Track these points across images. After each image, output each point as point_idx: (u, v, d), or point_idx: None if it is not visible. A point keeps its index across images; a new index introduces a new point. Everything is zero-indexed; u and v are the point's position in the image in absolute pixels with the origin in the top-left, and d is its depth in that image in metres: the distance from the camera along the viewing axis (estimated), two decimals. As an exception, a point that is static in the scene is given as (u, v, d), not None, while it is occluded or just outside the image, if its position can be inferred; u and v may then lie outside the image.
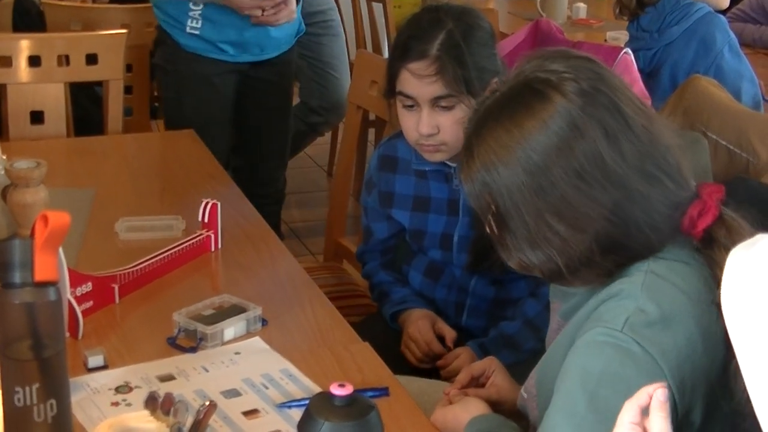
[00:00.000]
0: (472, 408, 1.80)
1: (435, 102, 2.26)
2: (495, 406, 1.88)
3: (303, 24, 3.73)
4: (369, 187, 2.59)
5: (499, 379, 1.98)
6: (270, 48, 3.56)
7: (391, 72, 2.32)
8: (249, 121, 3.73)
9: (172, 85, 3.62)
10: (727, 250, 1.53)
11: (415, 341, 2.41)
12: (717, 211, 1.57)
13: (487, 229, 1.64)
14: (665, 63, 3.86)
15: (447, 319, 2.49)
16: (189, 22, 3.43)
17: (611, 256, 1.56)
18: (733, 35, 3.90)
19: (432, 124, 2.27)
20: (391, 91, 2.34)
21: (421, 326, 2.42)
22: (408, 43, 2.28)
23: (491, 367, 2.00)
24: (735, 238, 1.55)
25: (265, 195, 3.68)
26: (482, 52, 2.28)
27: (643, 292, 1.52)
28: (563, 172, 1.52)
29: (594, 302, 1.59)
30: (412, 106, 2.30)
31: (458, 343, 2.42)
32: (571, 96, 1.53)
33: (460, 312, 2.50)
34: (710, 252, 1.56)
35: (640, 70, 3.91)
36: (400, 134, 2.45)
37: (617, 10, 4.12)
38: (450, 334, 2.41)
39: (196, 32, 3.44)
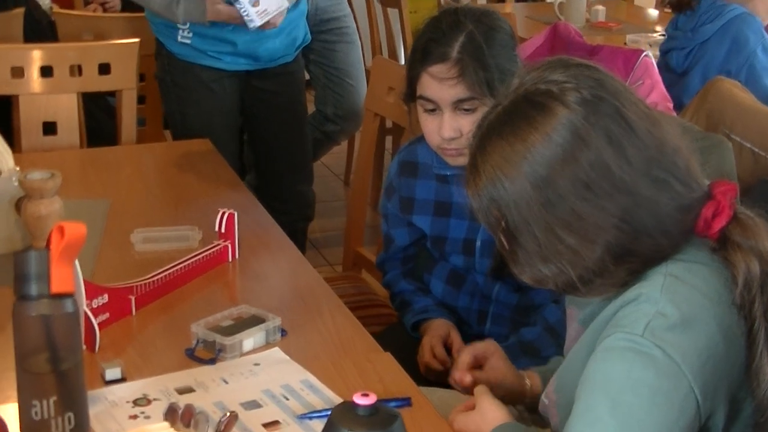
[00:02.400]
0: (489, 417, 1.77)
1: (457, 105, 2.23)
2: (494, 389, 1.86)
3: (309, 34, 3.69)
4: (389, 193, 2.56)
5: (496, 362, 1.98)
6: (264, 58, 3.51)
7: (411, 76, 2.30)
8: (261, 134, 3.71)
9: (172, 97, 3.58)
10: (743, 249, 1.51)
11: (422, 351, 2.38)
12: (731, 211, 1.55)
13: (498, 245, 1.62)
14: (698, 62, 3.83)
15: (470, 328, 2.46)
16: (180, 32, 3.40)
17: (624, 265, 1.54)
18: (765, 34, 3.87)
19: (454, 127, 2.24)
20: (411, 95, 2.31)
21: (433, 337, 2.39)
22: (428, 46, 2.24)
23: (489, 349, 2.01)
24: (751, 237, 1.53)
25: (290, 212, 3.66)
26: (503, 53, 2.25)
27: (662, 295, 1.50)
28: (570, 184, 1.50)
29: (612, 308, 1.56)
30: (433, 110, 2.27)
31: None
32: (573, 106, 1.51)
33: (483, 320, 2.47)
34: (726, 253, 1.54)
35: (673, 70, 3.89)
36: (420, 139, 2.43)
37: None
38: (457, 344, 2.37)
39: (188, 41, 3.41)
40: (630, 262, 1.54)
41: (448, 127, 2.24)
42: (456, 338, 2.38)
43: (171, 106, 3.62)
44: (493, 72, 2.21)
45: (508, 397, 1.94)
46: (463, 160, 2.26)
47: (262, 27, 3.19)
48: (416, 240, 2.57)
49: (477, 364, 2.01)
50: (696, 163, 1.58)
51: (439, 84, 2.22)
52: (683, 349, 1.46)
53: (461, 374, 1.96)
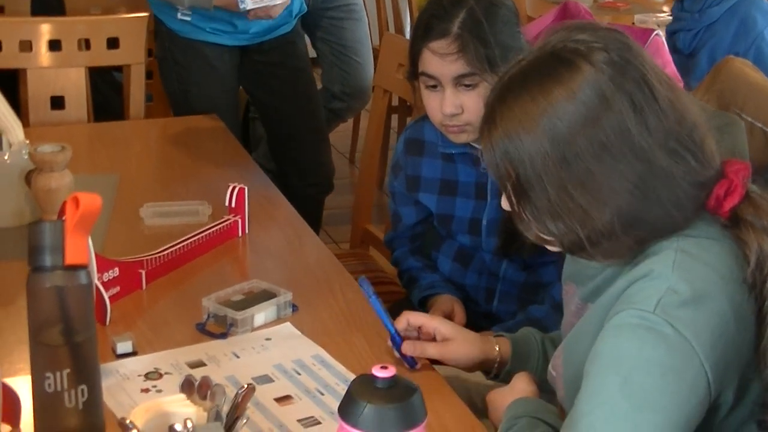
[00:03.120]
0: (517, 390, 1.76)
1: (458, 81, 2.22)
2: (453, 359, 1.89)
3: (304, 4, 3.67)
4: (396, 171, 2.55)
5: (447, 331, 1.92)
6: (263, 30, 3.50)
7: (413, 52, 2.29)
8: (271, 107, 3.69)
9: (174, 76, 3.57)
10: (755, 229, 1.50)
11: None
12: (743, 190, 1.54)
13: (504, 199, 1.61)
14: (706, 44, 3.81)
15: (477, 306, 2.45)
16: (180, 10, 3.39)
17: (633, 232, 1.52)
18: None
19: (455, 103, 2.24)
20: (413, 72, 2.31)
21: (435, 311, 2.37)
22: (429, 22, 2.24)
23: (433, 322, 1.94)
24: (764, 216, 1.52)
25: (309, 183, 3.66)
26: (505, 29, 2.24)
27: (674, 272, 1.49)
28: (588, 143, 1.48)
29: (623, 282, 1.55)
30: (435, 87, 2.26)
31: (486, 328, 2.38)
32: (600, 66, 1.49)
33: (491, 298, 2.46)
34: (738, 231, 1.53)
35: (680, 52, 3.87)
36: (426, 117, 2.42)
37: None
38: (459, 318, 2.35)
39: (187, 18, 3.39)
40: (639, 230, 1.52)
41: (449, 103, 2.24)
42: (459, 312, 2.38)
43: (173, 86, 3.60)
44: (493, 48, 2.20)
45: (476, 363, 1.92)
46: (465, 137, 2.28)
47: (256, 15, 3.19)
48: (423, 218, 2.56)
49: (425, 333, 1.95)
50: (712, 141, 1.57)
51: (440, 59, 2.22)
52: (695, 326, 1.45)
53: (408, 345, 1.87)
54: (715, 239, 1.54)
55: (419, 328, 1.92)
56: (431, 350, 1.88)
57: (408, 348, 1.87)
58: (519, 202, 1.57)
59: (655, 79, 1.52)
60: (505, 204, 1.63)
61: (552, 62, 1.53)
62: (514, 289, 2.44)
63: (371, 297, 1.87)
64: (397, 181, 2.54)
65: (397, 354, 1.88)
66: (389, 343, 1.89)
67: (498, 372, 1.94)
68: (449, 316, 2.36)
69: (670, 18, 4.23)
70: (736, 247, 1.53)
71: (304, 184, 3.71)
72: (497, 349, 1.94)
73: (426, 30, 2.25)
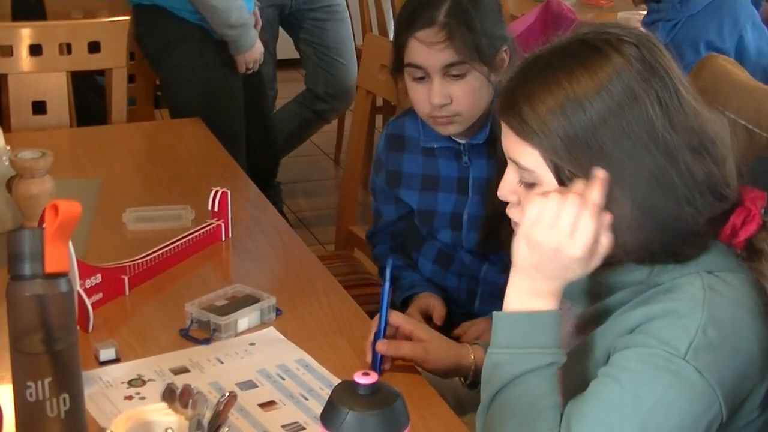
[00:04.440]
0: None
1: (446, 70, 2.20)
2: (425, 363, 1.86)
3: None
4: (377, 167, 2.53)
5: (422, 334, 1.89)
6: None
7: (398, 44, 2.26)
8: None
9: (167, 63, 3.65)
10: None
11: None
12: (761, 220, 1.52)
13: (507, 186, 1.60)
14: (687, 36, 3.80)
15: (459, 307, 2.45)
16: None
17: (650, 231, 1.49)
18: (755, 11, 3.85)
19: (444, 93, 2.21)
20: (398, 65, 2.27)
21: (412, 310, 2.36)
22: (414, 12, 2.22)
23: (410, 324, 1.91)
24: None
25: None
26: (490, 17, 2.23)
27: (704, 312, 1.46)
28: (611, 132, 1.46)
29: (639, 314, 1.51)
30: (422, 78, 2.24)
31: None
32: (630, 58, 1.48)
33: (473, 299, 2.46)
34: (755, 263, 1.51)
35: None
36: (407, 112, 2.41)
37: None
38: (438, 313, 2.34)
39: None
40: (655, 230, 1.49)
41: (438, 93, 2.21)
42: (438, 308, 2.35)
43: (168, 74, 3.73)
44: (481, 36, 2.19)
45: (449, 369, 1.91)
46: (454, 129, 2.26)
47: None
48: (404, 215, 2.55)
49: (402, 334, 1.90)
50: (732, 161, 1.56)
51: (428, 49, 2.19)
52: (721, 373, 1.44)
53: (382, 345, 1.83)
54: (735, 272, 1.53)
55: (396, 328, 1.89)
56: (405, 349, 1.86)
57: (382, 347, 1.83)
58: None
59: (681, 84, 1.51)
60: (505, 193, 1.60)
61: (582, 48, 1.52)
62: (496, 291, 2.43)
63: (386, 283, 1.84)
64: (378, 177, 2.54)
65: (369, 356, 1.85)
66: (369, 339, 1.86)
67: (474, 379, 1.91)
68: (428, 313, 2.35)
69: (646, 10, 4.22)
70: (753, 276, 1.52)
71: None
72: (472, 357, 1.92)
73: (411, 19, 2.22)
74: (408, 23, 2.22)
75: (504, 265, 2.30)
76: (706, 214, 1.51)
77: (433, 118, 2.27)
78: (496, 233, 2.05)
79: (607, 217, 1.48)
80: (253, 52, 3.67)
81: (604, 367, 1.50)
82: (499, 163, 2.14)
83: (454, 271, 2.46)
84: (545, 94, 1.49)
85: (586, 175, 1.48)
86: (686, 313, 1.47)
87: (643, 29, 1.58)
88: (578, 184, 1.49)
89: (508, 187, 1.60)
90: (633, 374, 1.46)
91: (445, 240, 2.46)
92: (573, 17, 3.80)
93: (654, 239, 1.50)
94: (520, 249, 1.54)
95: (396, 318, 1.90)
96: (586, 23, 1.59)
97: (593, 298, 1.63)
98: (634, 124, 1.46)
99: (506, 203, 1.62)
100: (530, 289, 1.54)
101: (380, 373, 1.83)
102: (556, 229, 1.48)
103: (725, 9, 3.82)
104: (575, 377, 1.57)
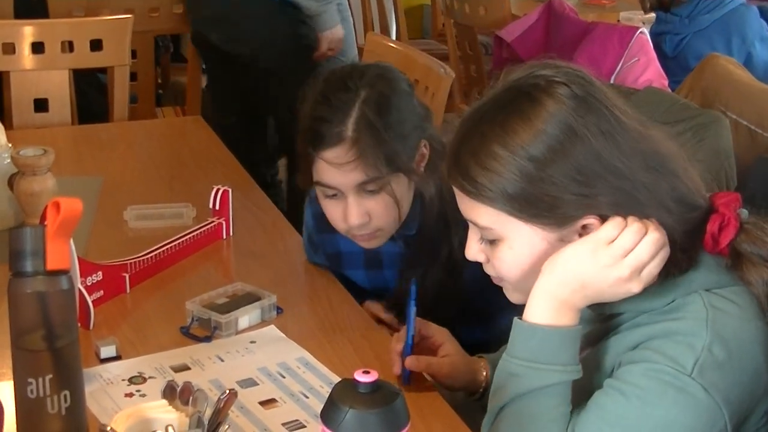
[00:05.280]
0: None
1: (360, 188, 1.97)
2: (446, 378, 1.83)
3: None
4: (313, 247, 2.30)
5: (450, 349, 1.87)
6: None
7: (304, 159, 2.01)
8: None
9: None
10: (756, 264, 1.48)
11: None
12: (737, 222, 1.51)
13: (475, 245, 1.60)
14: (694, 52, 3.80)
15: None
16: None
17: None
18: (764, 25, 3.87)
19: (361, 212, 1.99)
20: (308, 178, 2.03)
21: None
22: (319, 128, 1.95)
23: (443, 335, 1.88)
24: (760, 245, 1.50)
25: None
26: (403, 117, 1.99)
27: (709, 330, 1.45)
28: (563, 173, 1.46)
29: (645, 331, 1.50)
30: (335, 195, 2.01)
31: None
32: (562, 99, 1.48)
33: None
34: (741, 272, 1.51)
35: (665, 54, 3.87)
36: None
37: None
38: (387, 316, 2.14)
39: None
40: None
41: (355, 213, 1.99)
42: (371, 307, 2.17)
43: None
44: (394, 144, 1.95)
45: (463, 384, 1.87)
46: (376, 243, 2.07)
47: None
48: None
49: (425, 344, 1.88)
50: (695, 171, 1.55)
51: (338, 170, 1.95)
52: (726, 390, 1.44)
53: (412, 360, 1.79)
54: (729, 285, 1.52)
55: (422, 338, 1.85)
56: (434, 366, 1.81)
57: (412, 363, 1.78)
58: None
59: (620, 111, 1.50)
60: (473, 254, 1.60)
61: (514, 97, 1.52)
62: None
63: (411, 301, 1.80)
64: (317, 257, 2.30)
65: (397, 368, 1.81)
66: (396, 350, 1.82)
67: (483, 393, 1.87)
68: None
69: (654, 16, 4.23)
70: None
71: None
72: (485, 373, 1.89)
73: (316, 136, 1.96)
74: (312, 139, 1.97)
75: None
76: (683, 226, 1.50)
77: (353, 235, 2.06)
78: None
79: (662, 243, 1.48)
80: (336, 31, 3.69)
81: (609, 380, 1.50)
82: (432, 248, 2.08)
83: (389, 265, 2.23)
84: (486, 150, 1.49)
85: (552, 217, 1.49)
86: (691, 332, 1.46)
87: (577, 67, 1.56)
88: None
89: (474, 248, 1.60)
90: (638, 389, 1.45)
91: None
92: (575, 17, 3.80)
93: None
94: (561, 260, 1.50)
95: (428, 328, 1.86)
96: (518, 66, 1.57)
97: (588, 321, 1.61)
98: (582, 159, 1.46)
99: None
100: (557, 302, 1.51)
101: (408, 384, 1.79)
102: (611, 248, 1.47)
103: (733, 26, 3.82)
104: (576, 392, 1.55)
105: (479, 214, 1.54)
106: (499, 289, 1.63)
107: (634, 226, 1.46)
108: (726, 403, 1.44)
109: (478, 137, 1.51)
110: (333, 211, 2.03)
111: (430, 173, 2.04)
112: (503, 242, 1.54)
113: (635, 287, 1.48)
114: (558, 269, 1.50)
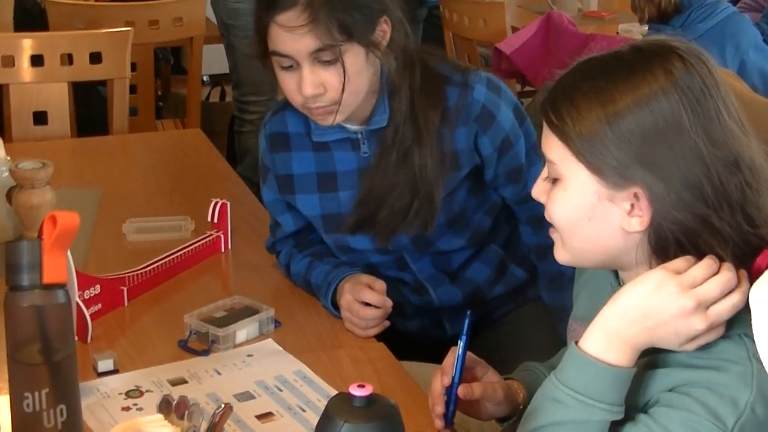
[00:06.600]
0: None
1: (315, 56, 1.95)
2: (498, 404, 1.76)
3: None
4: (264, 175, 2.23)
5: (494, 376, 1.80)
6: None
7: (258, 28, 2.00)
8: None
9: None
10: None
11: (350, 311, 2.06)
12: None
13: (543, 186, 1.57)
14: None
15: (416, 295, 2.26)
16: None
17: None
18: (757, 32, 3.87)
19: (316, 82, 1.96)
20: (263, 51, 2.01)
21: (347, 297, 2.07)
22: None
23: (485, 366, 1.80)
24: None
25: None
26: None
27: (755, 388, 1.41)
28: (651, 144, 1.44)
29: (687, 374, 1.46)
30: (290, 66, 1.98)
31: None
32: (676, 79, 1.44)
33: (424, 291, 2.26)
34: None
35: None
36: (286, 104, 2.13)
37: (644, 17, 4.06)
38: (380, 285, 2.07)
39: None
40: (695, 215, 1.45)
41: (309, 82, 1.96)
42: (366, 279, 2.09)
43: None
44: (351, 13, 1.94)
45: (509, 410, 1.79)
46: (333, 119, 2.03)
47: None
48: (305, 225, 2.26)
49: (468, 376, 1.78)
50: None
51: (290, 34, 1.93)
52: None
53: (466, 388, 1.71)
54: None
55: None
56: (478, 392, 1.72)
57: (465, 391, 1.69)
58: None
59: (725, 105, 1.46)
60: (537, 193, 1.58)
61: (633, 59, 1.49)
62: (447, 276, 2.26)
63: (463, 336, 1.69)
64: (267, 186, 2.24)
65: (441, 408, 1.71)
66: (438, 391, 1.71)
67: (518, 416, 1.78)
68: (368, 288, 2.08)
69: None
70: None
71: None
72: (521, 395, 1.80)
73: (270, 1, 1.96)
74: (266, 4, 1.96)
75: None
76: (733, 236, 1.46)
77: (308, 109, 2.03)
78: (370, 218, 2.04)
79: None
80: None
81: (644, 416, 1.46)
82: (404, 148, 2.05)
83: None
84: (583, 93, 1.47)
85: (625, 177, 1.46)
86: (735, 387, 1.42)
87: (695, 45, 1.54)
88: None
89: (539, 186, 1.58)
90: None
91: (364, 247, 2.20)
92: (574, 29, 3.81)
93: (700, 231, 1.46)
94: (627, 288, 1.47)
95: (474, 360, 1.77)
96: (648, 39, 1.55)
97: None
98: (669, 132, 1.44)
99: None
100: (618, 340, 1.46)
101: (451, 426, 1.71)
102: (678, 278, 1.43)
103: (727, 34, 3.82)
104: None
105: (551, 146, 1.52)
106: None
107: (705, 260, 1.43)
108: None
109: (586, 81, 1.49)
110: (288, 82, 2.00)
111: (392, 51, 2.03)
112: (561, 182, 1.52)
113: (699, 323, 1.42)
114: (622, 297, 1.46)
